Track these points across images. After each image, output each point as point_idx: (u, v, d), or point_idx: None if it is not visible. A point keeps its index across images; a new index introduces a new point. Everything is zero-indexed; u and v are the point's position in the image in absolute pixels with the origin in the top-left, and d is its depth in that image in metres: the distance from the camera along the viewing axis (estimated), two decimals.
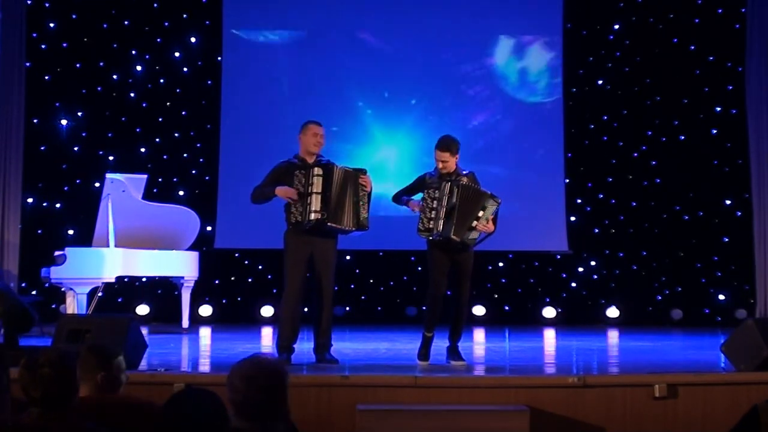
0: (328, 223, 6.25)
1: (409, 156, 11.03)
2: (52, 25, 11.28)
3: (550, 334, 9.57)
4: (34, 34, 11.05)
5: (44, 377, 2.81)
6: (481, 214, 6.22)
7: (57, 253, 8.64)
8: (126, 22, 11.33)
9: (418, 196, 6.48)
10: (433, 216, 6.24)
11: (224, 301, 11.33)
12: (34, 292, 10.42)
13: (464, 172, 6.42)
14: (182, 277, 9.47)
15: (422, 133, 11.00)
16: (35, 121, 11.08)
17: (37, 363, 2.83)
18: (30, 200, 10.97)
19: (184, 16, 11.47)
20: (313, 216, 6.22)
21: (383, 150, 11.21)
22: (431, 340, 6.45)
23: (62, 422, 2.81)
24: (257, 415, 2.79)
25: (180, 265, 9.40)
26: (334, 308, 6.60)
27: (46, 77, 11.20)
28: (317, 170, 6.26)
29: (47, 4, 11.25)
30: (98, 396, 3.48)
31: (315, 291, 6.40)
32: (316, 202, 6.22)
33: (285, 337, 6.31)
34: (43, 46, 11.23)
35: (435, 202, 6.25)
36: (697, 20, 11.35)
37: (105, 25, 11.32)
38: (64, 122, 11.23)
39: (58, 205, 11.20)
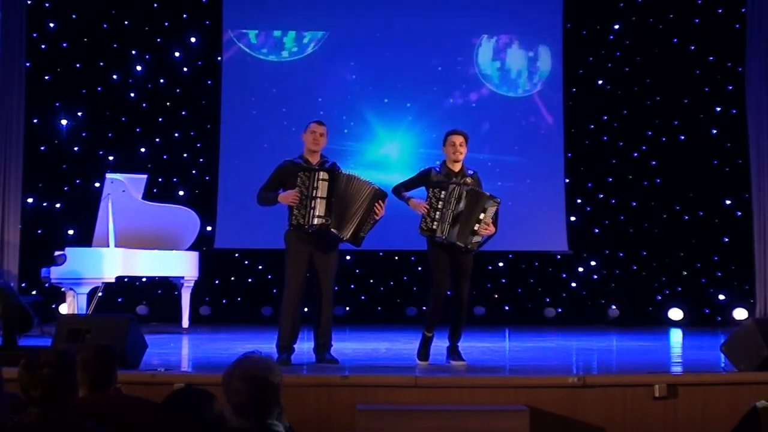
0: (332, 230, 6.22)
1: (408, 150, 11.13)
2: (52, 25, 11.29)
3: (550, 334, 9.56)
4: (34, 34, 11.05)
5: (44, 377, 2.80)
6: (482, 216, 6.17)
7: (57, 253, 8.64)
8: (126, 22, 11.33)
9: (420, 191, 6.45)
10: (437, 217, 6.18)
11: (224, 301, 11.33)
12: (34, 292, 10.42)
13: (469, 172, 6.40)
14: (182, 277, 9.46)
15: (419, 129, 11.07)
16: (35, 121, 11.08)
17: (37, 363, 2.83)
18: (30, 200, 10.97)
19: (184, 16, 11.47)
20: (316, 221, 6.17)
21: (386, 145, 11.25)
22: (431, 340, 6.44)
23: (62, 422, 2.81)
24: (261, 412, 2.79)
25: (180, 265, 9.40)
26: (334, 308, 6.58)
27: (46, 77, 11.20)
28: (323, 174, 6.18)
29: (47, 4, 11.25)
30: (98, 396, 3.48)
31: (315, 291, 6.39)
32: (320, 207, 6.16)
33: (285, 337, 6.30)
34: (43, 46, 11.23)
35: (440, 203, 6.19)
36: (697, 20, 11.36)
37: (105, 25, 11.32)
38: (64, 122, 11.23)
39: (58, 205, 11.20)
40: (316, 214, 6.15)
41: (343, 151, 10.71)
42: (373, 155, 11.14)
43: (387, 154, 11.20)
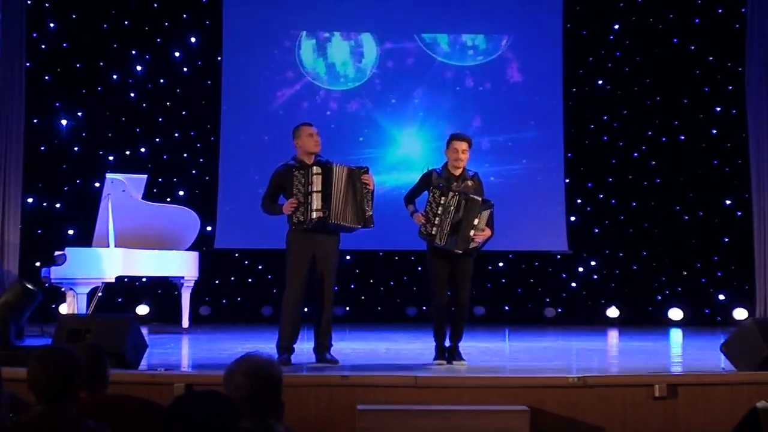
0: (331, 221, 6.24)
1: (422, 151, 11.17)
2: (52, 25, 11.29)
3: (550, 334, 9.56)
4: (34, 34, 11.05)
5: (58, 369, 2.81)
6: (476, 222, 6.20)
7: (57, 253, 8.63)
8: (126, 22, 11.33)
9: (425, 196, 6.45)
10: (436, 222, 6.20)
11: (224, 301, 11.33)
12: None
13: (470, 174, 6.42)
14: (182, 277, 9.46)
15: (429, 132, 11.08)
16: (35, 121, 11.08)
17: (50, 357, 2.84)
18: (30, 200, 10.97)
19: (184, 16, 11.47)
20: (314, 215, 6.21)
21: (399, 148, 11.27)
22: (443, 343, 6.44)
23: (62, 421, 2.80)
24: (261, 409, 2.79)
25: (180, 265, 9.39)
26: (334, 308, 6.59)
27: (46, 77, 11.20)
28: (316, 169, 6.26)
29: (47, 4, 11.25)
30: (93, 396, 3.48)
31: (316, 291, 6.39)
32: (317, 201, 6.22)
33: (285, 337, 6.30)
34: (43, 46, 11.23)
35: (440, 208, 6.21)
36: (697, 20, 11.36)
37: (105, 25, 11.32)
38: (64, 122, 11.23)
39: (58, 205, 11.20)
40: (314, 207, 6.21)
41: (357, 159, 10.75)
42: (392, 157, 11.16)
43: (406, 154, 11.19)
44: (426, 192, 6.43)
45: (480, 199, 6.24)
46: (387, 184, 10.43)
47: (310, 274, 6.37)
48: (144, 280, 10.40)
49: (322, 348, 6.35)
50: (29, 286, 7.45)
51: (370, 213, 6.39)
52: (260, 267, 11.34)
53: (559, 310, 11.33)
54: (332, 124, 11.00)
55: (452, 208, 6.18)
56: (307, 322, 6.50)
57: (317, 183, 6.24)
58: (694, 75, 11.34)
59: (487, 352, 7.55)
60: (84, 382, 3.11)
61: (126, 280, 9.42)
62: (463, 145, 6.33)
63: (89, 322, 5.98)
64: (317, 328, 6.38)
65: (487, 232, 6.27)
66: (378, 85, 11.33)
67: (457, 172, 6.37)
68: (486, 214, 6.24)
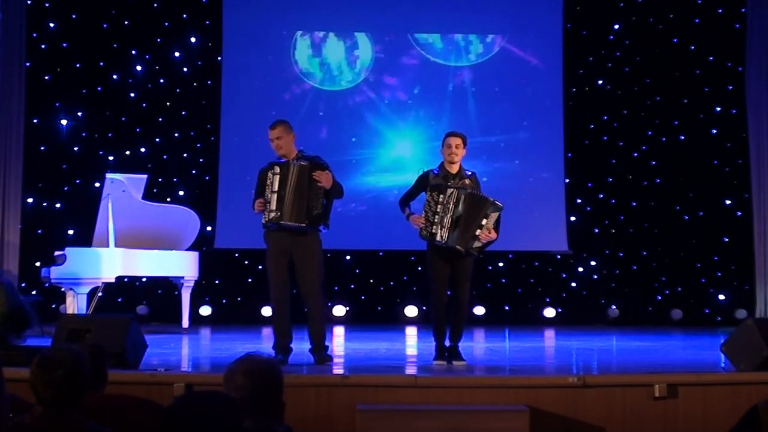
0: (281, 222, 6.15)
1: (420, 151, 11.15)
2: (52, 25, 11.29)
3: (550, 334, 9.56)
4: (34, 34, 11.05)
5: (58, 379, 2.80)
6: (484, 222, 6.15)
7: (57, 253, 8.63)
8: (126, 22, 11.34)
9: (421, 197, 6.43)
10: (436, 221, 6.16)
11: (224, 301, 11.33)
12: (33, 292, 10.41)
13: (468, 173, 6.40)
14: (182, 277, 9.46)
15: (424, 132, 11.09)
16: (35, 121, 11.08)
17: (52, 363, 2.83)
18: (30, 200, 10.97)
19: (184, 16, 11.47)
20: (272, 215, 6.16)
21: (396, 148, 11.26)
22: (443, 343, 6.43)
23: (63, 422, 2.80)
24: (262, 410, 2.79)
25: (180, 265, 9.39)
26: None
27: (46, 77, 11.20)
28: (276, 169, 6.21)
29: (47, 4, 11.25)
30: (100, 395, 3.48)
31: (302, 291, 6.31)
32: (273, 202, 6.17)
33: (278, 338, 6.27)
34: (43, 46, 11.23)
35: (439, 206, 6.17)
36: (697, 20, 11.36)
37: (105, 25, 11.33)
38: (64, 122, 11.23)
39: (58, 205, 11.20)
40: (270, 209, 6.16)
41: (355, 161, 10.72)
42: (386, 158, 11.15)
43: (400, 155, 11.19)
44: (423, 194, 6.39)
45: (491, 199, 6.21)
46: (381, 185, 10.44)
47: (292, 274, 6.29)
48: (144, 280, 10.40)
49: (316, 348, 6.28)
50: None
51: (319, 212, 6.20)
52: (260, 267, 11.29)
53: (559, 310, 11.33)
54: (327, 124, 11.00)
55: (451, 204, 6.15)
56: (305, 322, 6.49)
57: (275, 183, 6.17)
58: (694, 75, 11.35)
59: (487, 352, 7.55)
60: (87, 385, 3.12)
61: (126, 280, 9.42)
62: (457, 141, 6.30)
63: (89, 322, 5.97)
64: (310, 329, 6.30)
65: (493, 234, 6.23)
66: (373, 85, 11.32)
67: (454, 169, 6.34)
68: (495, 216, 6.21)
